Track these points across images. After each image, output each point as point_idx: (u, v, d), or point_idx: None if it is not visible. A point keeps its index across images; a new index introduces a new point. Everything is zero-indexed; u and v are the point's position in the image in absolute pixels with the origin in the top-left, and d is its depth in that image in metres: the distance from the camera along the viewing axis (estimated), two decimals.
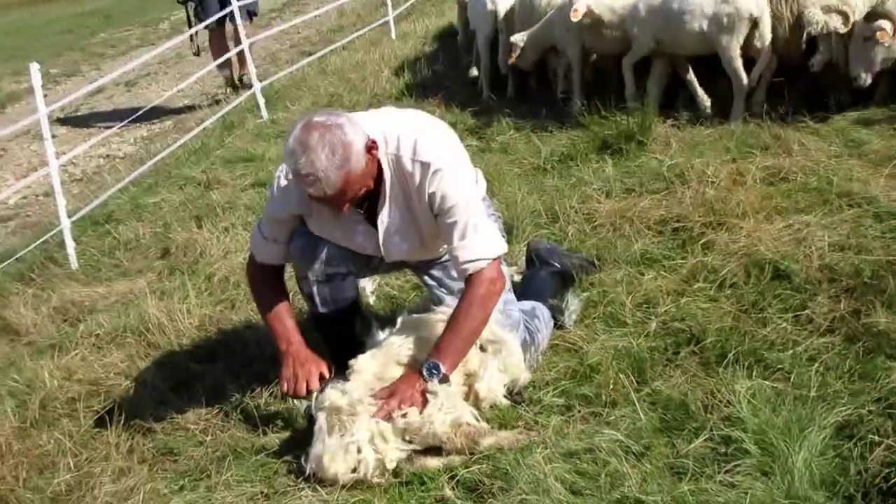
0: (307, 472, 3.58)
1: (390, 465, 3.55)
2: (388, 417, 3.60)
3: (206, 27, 10.67)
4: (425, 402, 3.63)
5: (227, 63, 11.32)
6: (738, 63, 6.59)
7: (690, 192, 5.42)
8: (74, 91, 9.48)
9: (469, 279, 3.71)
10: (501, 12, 8.53)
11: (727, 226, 4.95)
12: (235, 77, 11.65)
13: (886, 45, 6.05)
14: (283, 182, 3.85)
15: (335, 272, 4.06)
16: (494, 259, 3.72)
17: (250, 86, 10.30)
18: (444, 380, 3.67)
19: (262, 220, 4.06)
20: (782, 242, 4.65)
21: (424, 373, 3.66)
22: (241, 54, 10.77)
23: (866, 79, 6.20)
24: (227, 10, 10.35)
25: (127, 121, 10.18)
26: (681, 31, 6.74)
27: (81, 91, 9.00)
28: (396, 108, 4.03)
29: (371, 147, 3.57)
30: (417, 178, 3.67)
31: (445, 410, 3.60)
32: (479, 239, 3.69)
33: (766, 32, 6.53)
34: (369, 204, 3.78)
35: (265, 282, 4.11)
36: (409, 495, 3.46)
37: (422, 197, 3.69)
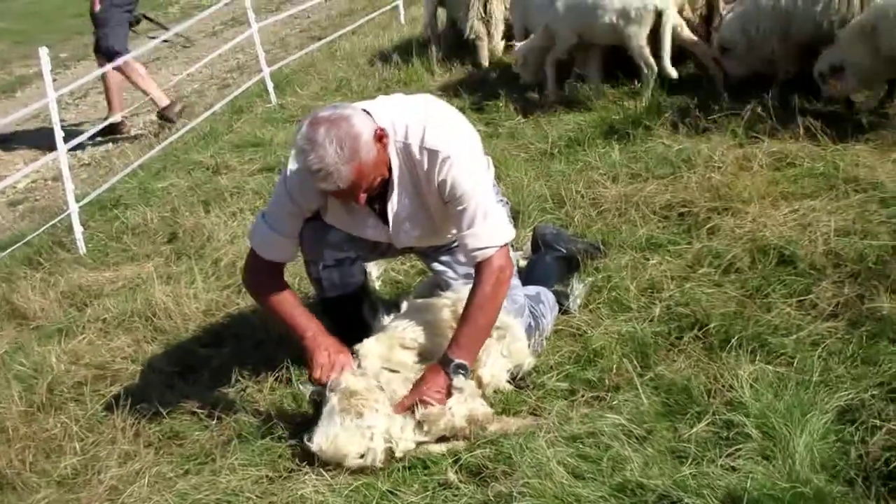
0: (314, 448, 3.58)
1: (398, 454, 3.58)
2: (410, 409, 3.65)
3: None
4: (448, 396, 3.66)
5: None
6: (647, 51, 7.08)
7: (696, 177, 5.42)
8: (84, 75, 9.45)
9: (478, 267, 3.72)
10: None
11: (733, 211, 4.95)
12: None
13: None
14: (297, 175, 3.79)
15: (344, 256, 4.07)
16: (503, 246, 3.73)
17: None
18: (468, 374, 3.70)
19: (269, 215, 3.97)
20: (788, 227, 4.65)
21: (451, 373, 3.66)
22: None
23: None
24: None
25: (136, 105, 10.18)
26: (595, 24, 7.24)
27: (91, 75, 8.98)
28: (405, 93, 4.03)
29: (381, 136, 3.57)
30: (426, 166, 3.66)
31: (467, 404, 3.63)
32: (488, 226, 3.69)
33: (669, 23, 6.96)
34: (379, 192, 3.77)
35: (270, 281, 4.03)
36: (413, 479, 3.48)
37: (431, 184, 3.69)
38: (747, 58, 6.67)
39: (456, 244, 4.10)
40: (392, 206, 3.80)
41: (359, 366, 3.81)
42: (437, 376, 3.69)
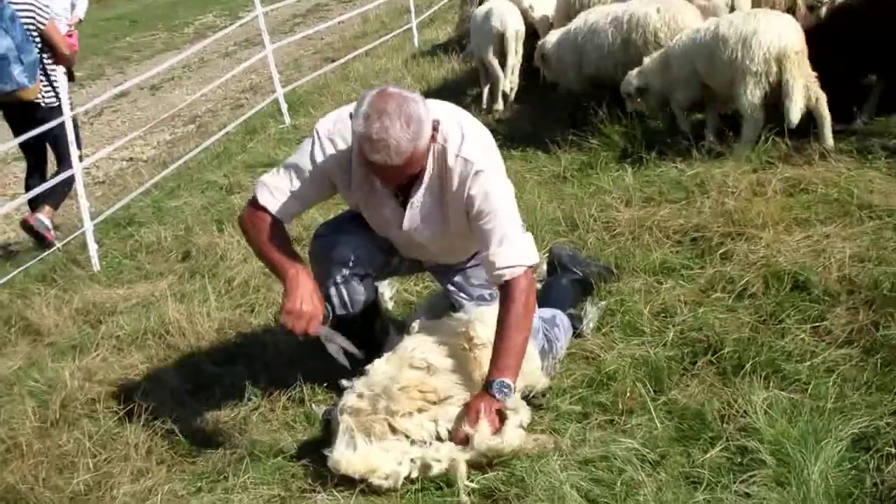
0: (334, 463, 3.54)
1: (416, 474, 3.57)
2: (467, 440, 3.58)
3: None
4: (503, 420, 3.62)
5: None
6: (496, 68, 8.57)
7: (710, 201, 5.40)
8: (99, 95, 9.53)
9: (507, 286, 3.67)
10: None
11: (746, 236, 4.93)
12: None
13: None
14: (327, 143, 3.75)
15: (353, 273, 4.07)
16: (530, 267, 3.70)
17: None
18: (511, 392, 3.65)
19: (286, 169, 3.85)
20: (802, 253, 4.63)
21: (496, 394, 3.60)
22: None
23: None
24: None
25: (150, 124, 10.24)
26: (478, 44, 8.83)
27: (106, 95, 9.05)
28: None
29: (435, 129, 3.56)
30: (458, 175, 3.66)
31: (519, 431, 3.62)
32: (516, 246, 3.67)
33: (510, 45, 8.48)
34: (406, 184, 3.76)
35: (265, 225, 3.87)
36: (426, 500, 3.48)
37: (459, 194, 3.68)
38: (557, 73, 7.96)
39: (470, 265, 4.11)
40: (414, 202, 3.80)
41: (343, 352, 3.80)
42: (481, 400, 3.64)
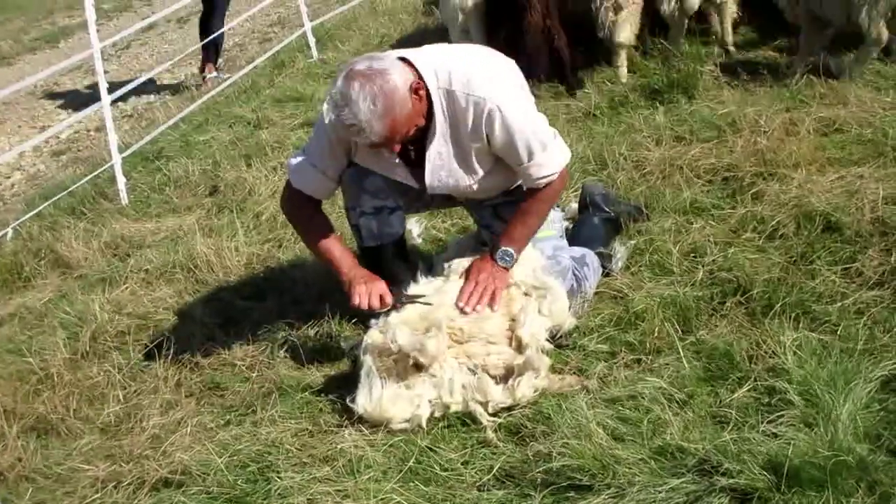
0: (359, 410, 3.59)
1: (439, 413, 3.60)
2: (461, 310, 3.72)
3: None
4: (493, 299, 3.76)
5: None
6: None
7: (742, 141, 5.33)
8: (126, 27, 9.50)
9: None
10: None
11: (778, 176, 4.88)
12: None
13: None
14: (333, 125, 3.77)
15: (382, 205, 4.05)
16: (563, 168, 3.82)
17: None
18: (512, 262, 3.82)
19: (308, 150, 3.97)
20: (834, 194, 4.57)
21: (499, 260, 3.78)
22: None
23: None
24: None
25: (178, 58, 10.21)
26: None
27: (134, 27, 9.01)
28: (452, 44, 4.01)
29: (417, 87, 3.54)
30: (472, 115, 3.63)
31: (540, 381, 3.62)
32: (548, 154, 3.73)
33: None
34: (416, 138, 3.74)
35: (308, 212, 4.06)
36: (452, 436, 3.50)
37: (477, 133, 3.66)
38: None
39: (499, 201, 4.08)
40: (431, 154, 3.77)
41: (392, 292, 3.87)
42: (485, 262, 3.82)
